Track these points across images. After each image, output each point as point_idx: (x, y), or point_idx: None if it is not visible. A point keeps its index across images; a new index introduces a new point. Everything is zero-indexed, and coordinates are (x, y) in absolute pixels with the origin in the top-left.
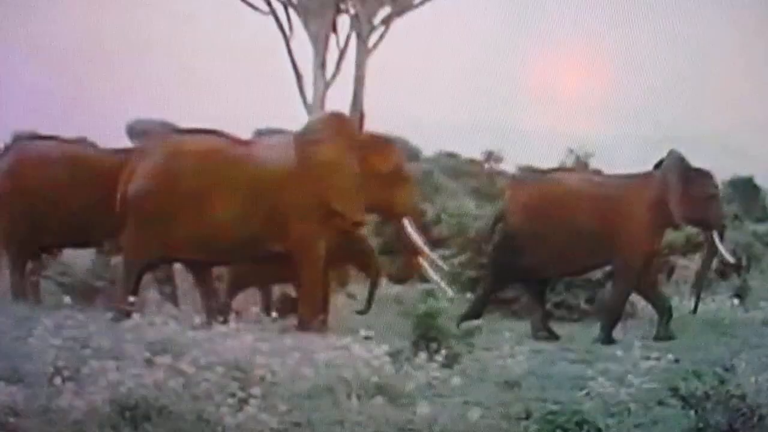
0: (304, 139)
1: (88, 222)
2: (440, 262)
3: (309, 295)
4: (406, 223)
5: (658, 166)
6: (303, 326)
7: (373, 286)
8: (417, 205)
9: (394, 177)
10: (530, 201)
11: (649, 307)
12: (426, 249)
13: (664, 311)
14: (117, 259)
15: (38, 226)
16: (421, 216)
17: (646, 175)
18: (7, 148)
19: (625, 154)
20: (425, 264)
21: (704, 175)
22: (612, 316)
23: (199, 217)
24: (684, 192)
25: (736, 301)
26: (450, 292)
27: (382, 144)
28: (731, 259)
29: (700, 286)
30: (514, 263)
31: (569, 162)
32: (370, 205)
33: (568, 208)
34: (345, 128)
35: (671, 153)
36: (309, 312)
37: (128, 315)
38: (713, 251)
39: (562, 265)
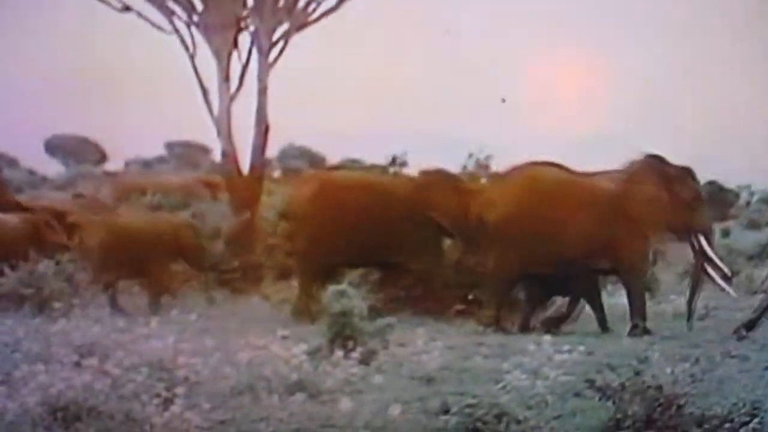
0: (630, 178)
1: (379, 244)
2: (726, 270)
3: (642, 305)
4: (702, 238)
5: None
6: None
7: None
8: (710, 223)
9: (694, 202)
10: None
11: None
12: (717, 260)
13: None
14: (43, 267)
15: (334, 249)
16: (711, 232)
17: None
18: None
19: (524, 156)
20: (711, 272)
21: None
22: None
23: (553, 236)
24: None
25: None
26: (734, 294)
27: (685, 175)
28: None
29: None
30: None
31: (470, 165)
32: (671, 226)
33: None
34: (660, 168)
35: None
36: (643, 318)
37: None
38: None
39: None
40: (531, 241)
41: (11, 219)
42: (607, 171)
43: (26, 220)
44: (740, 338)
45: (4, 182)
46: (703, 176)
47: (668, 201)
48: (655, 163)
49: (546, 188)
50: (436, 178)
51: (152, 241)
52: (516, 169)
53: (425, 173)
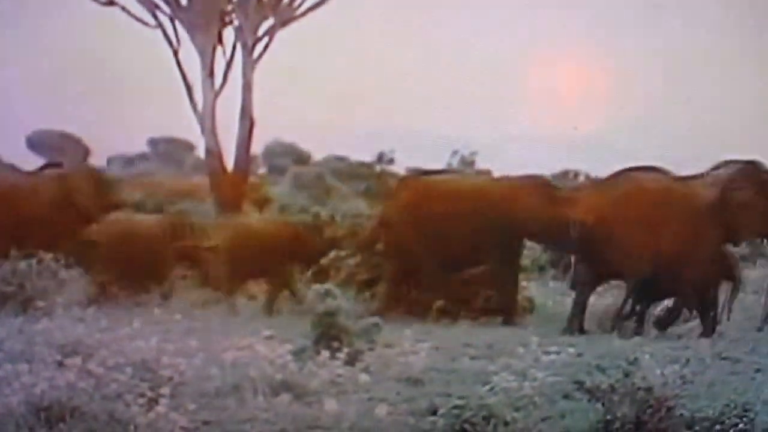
0: (727, 185)
1: (468, 247)
2: None
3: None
4: None
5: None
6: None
7: (735, 292)
8: None
9: None
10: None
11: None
12: None
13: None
14: (25, 265)
15: (424, 252)
16: None
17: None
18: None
19: (509, 155)
20: None
21: None
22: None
23: (650, 241)
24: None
25: None
26: None
27: None
28: None
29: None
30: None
31: (455, 162)
32: (760, 230)
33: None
34: (757, 175)
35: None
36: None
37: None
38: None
39: None
40: (628, 246)
41: (149, 220)
42: (701, 175)
43: (163, 222)
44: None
45: (113, 181)
46: None
47: (764, 207)
48: (751, 169)
49: (646, 194)
50: (530, 184)
51: (276, 243)
52: (617, 175)
53: (520, 178)
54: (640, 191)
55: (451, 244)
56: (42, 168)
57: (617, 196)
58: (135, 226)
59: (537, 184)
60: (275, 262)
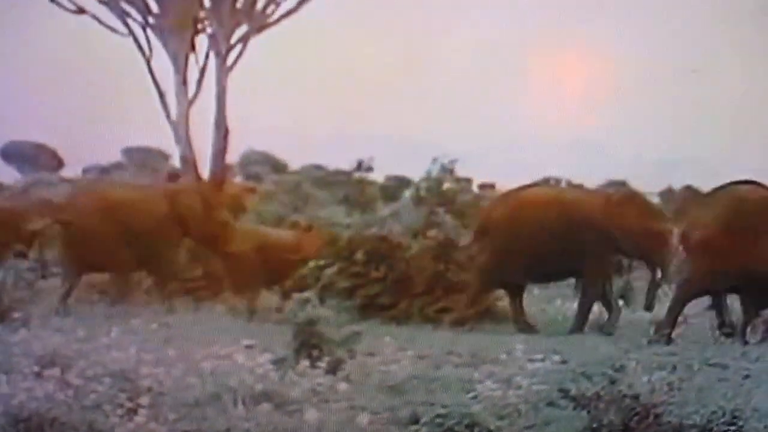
0: None
1: (561, 259)
2: None
3: None
4: None
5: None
6: None
7: None
8: None
9: None
10: None
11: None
12: None
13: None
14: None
15: (518, 264)
16: None
17: None
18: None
19: (490, 162)
20: None
21: None
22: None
23: (748, 253)
24: None
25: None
26: None
27: None
28: None
29: (648, 307)
30: None
31: (434, 170)
32: None
33: None
34: None
35: None
36: None
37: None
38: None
39: None
40: (728, 258)
41: (281, 233)
42: None
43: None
44: None
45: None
46: (701, 178)
47: None
48: None
49: (749, 208)
50: (624, 198)
51: (291, 252)
52: (720, 189)
53: (615, 192)
54: (742, 204)
55: (545, 257)
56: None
57: (721, 209)
58: (270, 238)
59: (630, 197)
60: (287, 269)
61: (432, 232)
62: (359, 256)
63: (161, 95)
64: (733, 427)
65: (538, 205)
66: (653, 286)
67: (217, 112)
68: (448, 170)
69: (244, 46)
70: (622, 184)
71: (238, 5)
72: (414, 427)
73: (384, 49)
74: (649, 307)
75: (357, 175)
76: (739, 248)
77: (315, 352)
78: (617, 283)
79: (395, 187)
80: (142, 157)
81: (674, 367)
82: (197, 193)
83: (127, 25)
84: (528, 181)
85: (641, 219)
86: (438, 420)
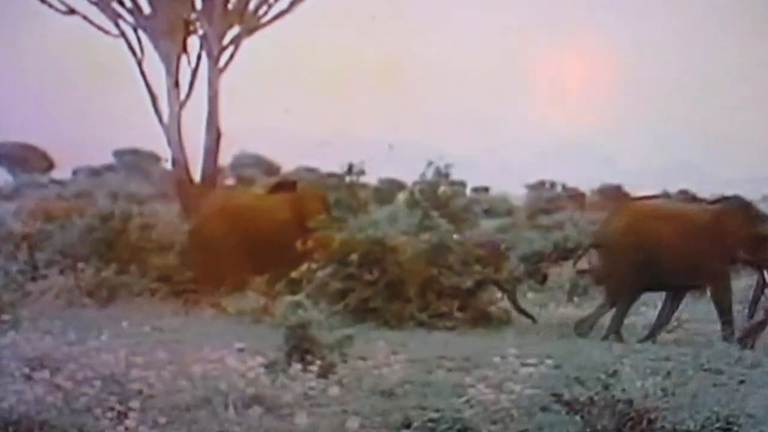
0: None
1: (679, 269)
2: None
3: None
4: None
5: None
6: None
7: None
8: None
9: None
10: None
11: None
12: None
13: None
14: None
15: (642, 274)
16: None
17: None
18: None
19: (483, 165)
20: None
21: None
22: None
23: None
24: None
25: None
26: None
27: None
28: None
29: (752, 315)
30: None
31: (429, 174)
32: None
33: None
34: None
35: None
36: None
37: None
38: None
39: None
40: None
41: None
42: None
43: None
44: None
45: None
46: (700, 183)
47: None
48: None
49: None
50: (734, 207)
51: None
52: None
53: (724, 203)
54: None
55: (663, 269)
56: (274, 189)
57: None
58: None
59: (741, 206)
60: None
61: (426, 236)
62: (353, 258)
63: (153, 97)
64: None
65: (658, 217)
66: (759, 291)
67: (208, 114)
68: (443, 175)
69: (236, 47)
70: (617, 188)
71: (230, 6)
72: (405, 431)
73: (377, 51)
74: (752, 315)
75: (348, 178)
76: None
77: (307, 356)
78: None
79: (388, 189)
80: (134, 159)
81: (668, 373)
82: (319, 199)
83: (118, 26)
84: (521, 185)
85: (750, 226)
86: (430, 424)
